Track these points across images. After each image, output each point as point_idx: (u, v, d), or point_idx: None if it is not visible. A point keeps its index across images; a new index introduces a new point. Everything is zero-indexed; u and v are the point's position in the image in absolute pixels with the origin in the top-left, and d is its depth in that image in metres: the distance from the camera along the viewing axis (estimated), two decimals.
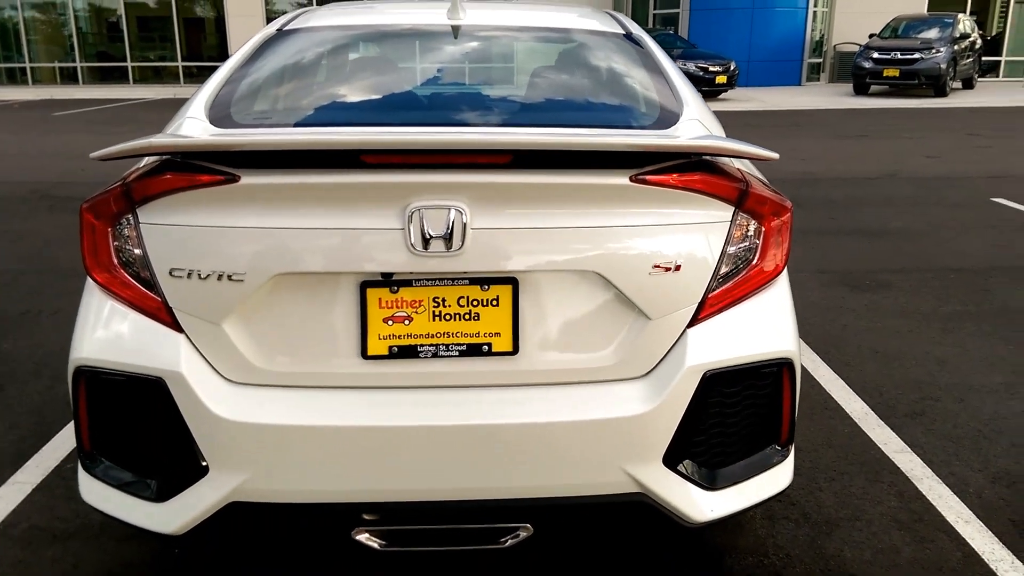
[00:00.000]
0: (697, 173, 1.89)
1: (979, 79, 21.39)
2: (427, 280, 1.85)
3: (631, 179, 1.83)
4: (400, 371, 1.89)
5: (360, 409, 1.86)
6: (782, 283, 2.08)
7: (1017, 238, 6.38)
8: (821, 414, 3.44)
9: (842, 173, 9.16)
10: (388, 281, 1.84)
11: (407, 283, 1.86)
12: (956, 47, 18.81)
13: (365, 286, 1.85)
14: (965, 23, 19.89)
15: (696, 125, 2.18)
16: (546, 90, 2.58)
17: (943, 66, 18.29)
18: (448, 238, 1.78)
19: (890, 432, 3.29)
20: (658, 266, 1.87)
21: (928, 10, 22.73)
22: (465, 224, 1.78)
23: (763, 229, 2.00)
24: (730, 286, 1.97)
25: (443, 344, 1.88)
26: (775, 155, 1.95)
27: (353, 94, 2.47)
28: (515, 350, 1.89)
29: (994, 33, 24.51)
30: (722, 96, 18.71)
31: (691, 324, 1.94)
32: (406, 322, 1.86)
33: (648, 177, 1.84)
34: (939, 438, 3.24)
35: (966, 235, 6.47)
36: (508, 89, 3.06)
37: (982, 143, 11.46)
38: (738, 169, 2.04)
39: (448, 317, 1.87)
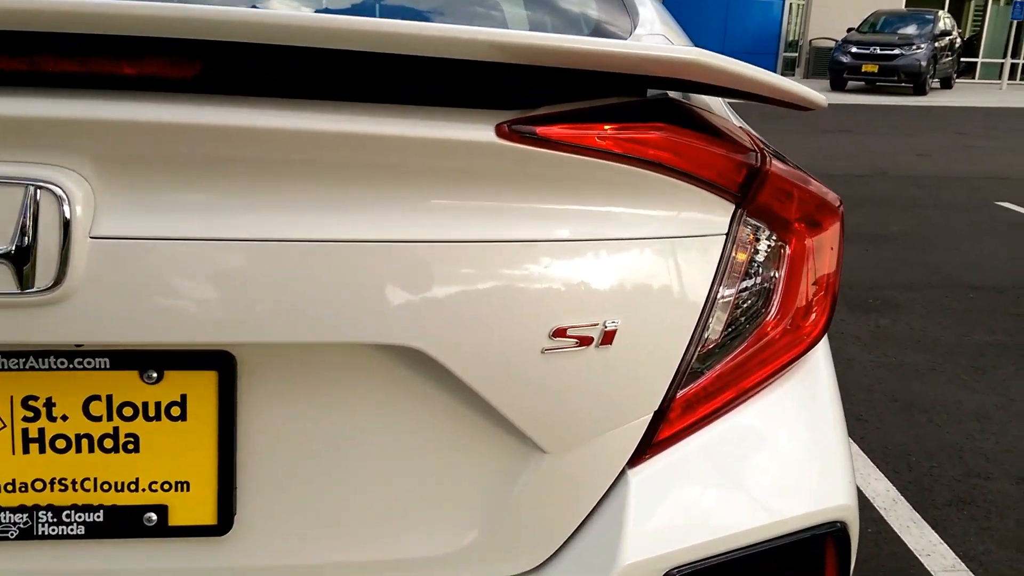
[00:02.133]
0: (653, 129, 0.83)
1: (956, 80, 20.74)
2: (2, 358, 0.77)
3: (502, 132, 0.77)
4: None
5: None
6: (820, 361, 1.05)
7: None
8: None
9: (828, 169, 8.21)
10: None
11: None
12: (936, 44, 18.10)
13: None
14: (945, 20, 19.18)
15: (660, 41, 1.14)
16: None
17: (923, 63, 17.56)
18: (53, 259, 0.71)
19: (931, 533, 2.28)
20: (563, 334, 0.81)
21: (906, 7, 22.03)
22: (89, 226, 0.71)
23: (789, 250, 0.98)
24: (721, 370, 0.94)
25: (49, 509, 0.80)
26: (822, 99, 0.92)
27: None
28: (224, 524, 0.82)
29: (967, 36, 23.85)
30: None
31: (636, 460, 0.89)
32: None
33: (541, 130, 0.78)
34: (1001, 544, 2.23)
35: (977, 243, 5.52)
36: None
37: (972, 143, 10.60)
38: (744, 131, 1.00)
39: (62, 446, 0.79)
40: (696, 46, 0.86)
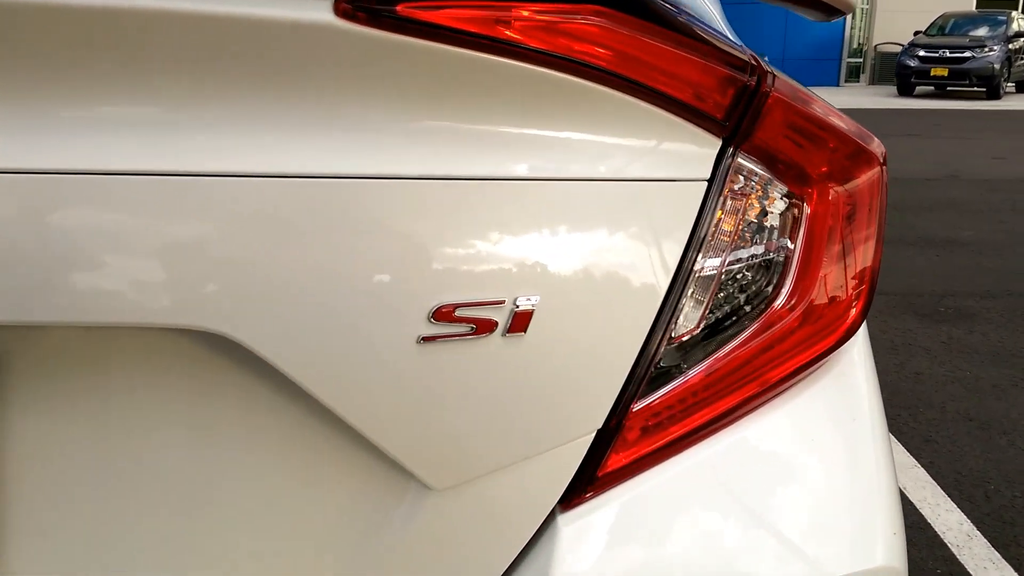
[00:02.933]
0: (586, 15, 0.56)
1: None
2: None
3: (343, 10, 0.51)
4: None
5: None
6: (856, 364, 0.76)
7: None
8: (908, 542, 2.07)
9: (892, 173, 7.73)
10: None
11: None
12: (1010, 46, 17.27)
13: None
14: (1020, 21, 18.31)
15: None
16: None
17: (996, 66, 16.76)
18: None
19: (1012, 574, 1.92)
20: (450, 315, 0.55)
21: (976, 8, 21.15)
22: None
23: (809, 210, 0.70)
24: (706, 373, 0.67)
25: None
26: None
27: None
28: None
29: None
30: None
31: (571, 501, 0.63)
32: None
33: (404, 8, 0.52)
34: None
35: None
36: None
37: None
38: (735, 45, 0.72)
39: None
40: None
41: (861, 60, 21.92)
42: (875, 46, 21.62)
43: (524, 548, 0.61)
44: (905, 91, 17.89)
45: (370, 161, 0.53)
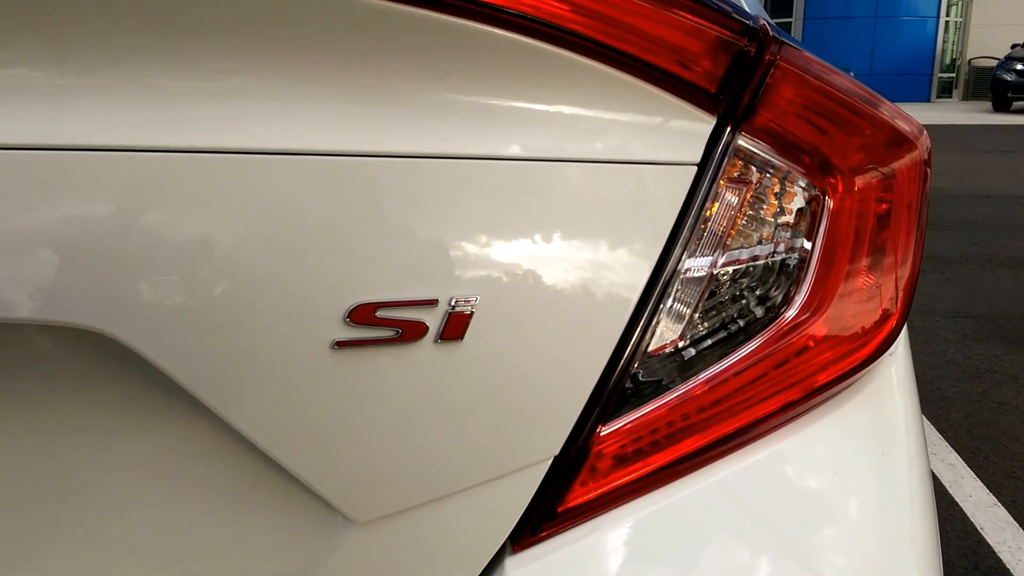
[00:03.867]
0: None
1: None
2: None
3: None
4: None
5: None
6: (892, 389, 0.65)
7: None
8: None
9: (984, 190, 7.34)
10: None
11: None
12: None
13: None
14: None
15: None
16: None
17: None
18: None
19: None
20: (370, 316, 0.46)
21: None
22: None
23: (832, 205, 0.59)
24: (700, 391, 0.56)
25: None
26: None
27: None
28: None
29: None
30: None
31: (524, 540, 0.53)
32: None
33: None
34: None
35: None
36: None
37: None
38: (736, 7, 0.61)
39: None
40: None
41: (954, 75, 21.07)
42: (969, 60, 20.76)
43: None
44: (1001, 107, 17.10)
45: (275, 133, 0.45)
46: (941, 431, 2.64)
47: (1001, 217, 6.21)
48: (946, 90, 20.92)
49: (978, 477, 2.36)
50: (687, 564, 0.54)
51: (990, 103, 17.49)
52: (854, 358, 0.61)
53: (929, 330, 3.64)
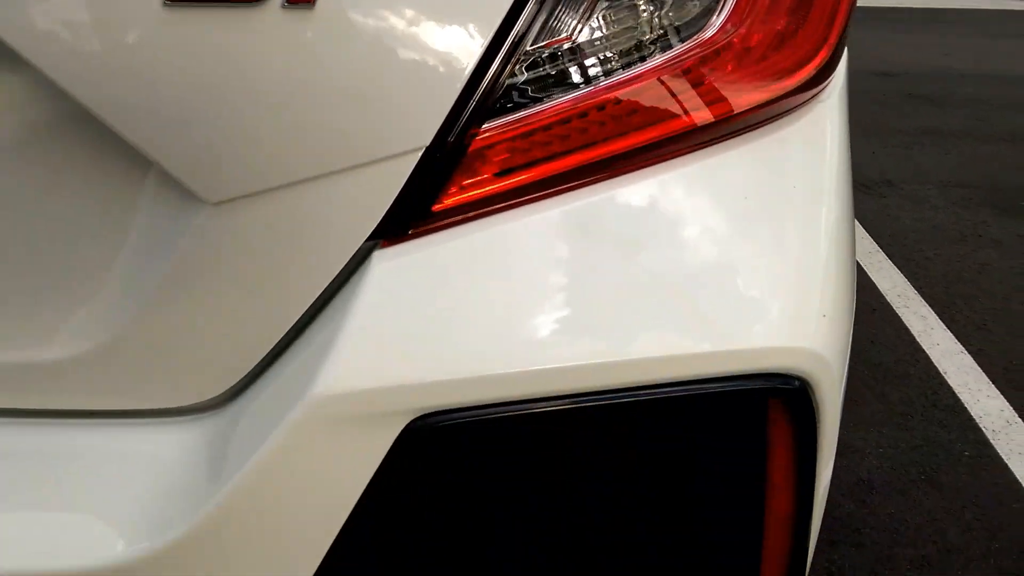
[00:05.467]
0: None
1: None
2: None
3: None
4: None
5: None
6: (827, 132, 0.65)
7: None
8: (938, 423, 1.94)
9: (995, 71, 7.13)
10: None
11: None
12: None
13: None
14: None
15: None
16: None
17: None
18: None
19: None
20: None
21: None
22: None
23: None
24: (597, 101, 0.57)
25: None
26: None
27: None
28: None
29: None
30: None
31: (392, 236, 0.54)
32: None
33: None
34: None
35: None
36: None
37: None
38: None
39: None
40: None
41: None
42: None
43: (330, 287, 0.53)
44: None
45: None
46: (917, 287, 2.66)
47: (1010, 95, 6.06)
48: None
49: (948, 328, 2.39)
50: (574, 271, 0.54)
51: None
52: (779, 86, 0.59)
53: (919, 197, 3.62)
